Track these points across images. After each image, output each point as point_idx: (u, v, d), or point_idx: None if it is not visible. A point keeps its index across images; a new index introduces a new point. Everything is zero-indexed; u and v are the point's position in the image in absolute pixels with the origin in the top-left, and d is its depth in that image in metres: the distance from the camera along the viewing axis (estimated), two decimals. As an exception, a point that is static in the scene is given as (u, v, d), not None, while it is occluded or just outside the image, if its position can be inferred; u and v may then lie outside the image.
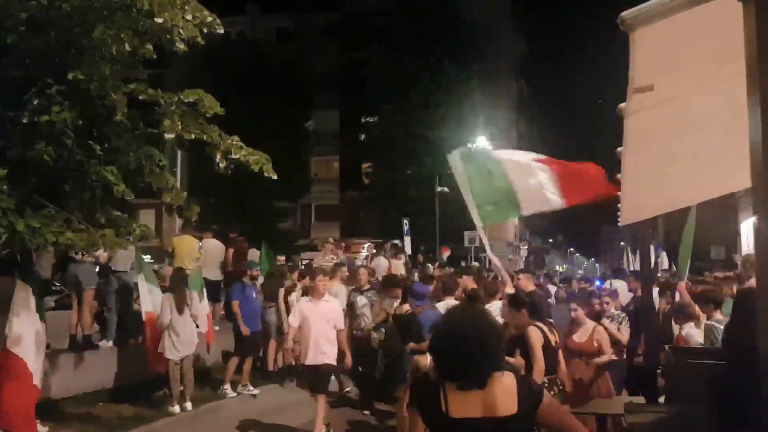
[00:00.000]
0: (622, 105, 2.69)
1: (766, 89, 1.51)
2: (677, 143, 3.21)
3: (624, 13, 1.98)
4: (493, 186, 7.20)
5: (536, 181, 6.81)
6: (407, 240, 22.50)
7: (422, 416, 2.57)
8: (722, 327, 6.02)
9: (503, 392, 2.41)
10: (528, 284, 8.50)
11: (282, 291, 10.78)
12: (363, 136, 38.87)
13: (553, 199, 6.79)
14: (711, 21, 1.86)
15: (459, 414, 2.42)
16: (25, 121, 5.58)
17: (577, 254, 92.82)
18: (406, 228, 22.98)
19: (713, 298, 6.61)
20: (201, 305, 8.94)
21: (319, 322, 7.40)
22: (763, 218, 1.43)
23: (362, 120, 38.61)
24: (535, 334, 5.25)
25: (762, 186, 1.40)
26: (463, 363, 2.40)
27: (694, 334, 6.48)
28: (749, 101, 1.55)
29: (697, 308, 6.83)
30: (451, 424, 2.42)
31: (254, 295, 9.98)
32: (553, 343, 5.39)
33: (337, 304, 7.95)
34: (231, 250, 12.20)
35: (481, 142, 32.29)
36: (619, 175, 4.56)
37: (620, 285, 11.72)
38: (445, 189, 29.98)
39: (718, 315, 6.37)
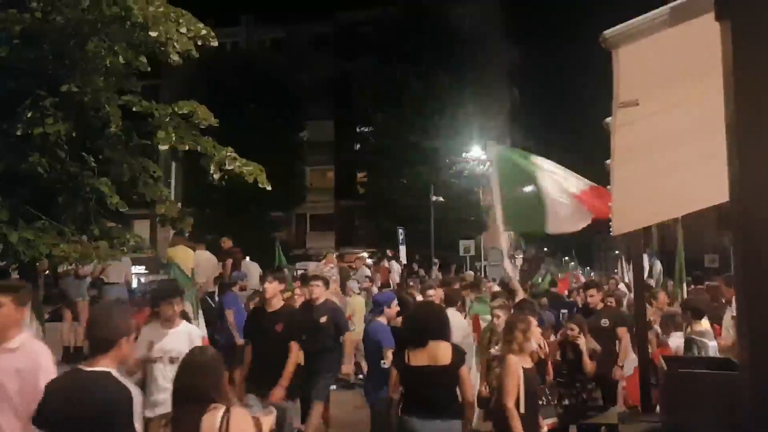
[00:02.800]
0: (608, 119, 2.73)
1: (741, 104, 1.55)
2: (663, 156, 3.25)
3: (606, 32, 2.02)
4: (524, 194, 6.75)
5: (566, 198, 6.53)
6: (402, 249, 22.51)
7: (396, 367, 4.59)
8: (704, 339, 5.93)
9: (442, 352, 4.34)
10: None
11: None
12: (357, 145, 38.87)
13: (578, 218, 6.57)
14: (690, 38, 1.91)
15: (415, 363, 4.38)
16: (18, 133, 5.60)
17: (572, 263, 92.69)
18: (401, 237, 22.98)
19: (692, 308, 6.52)
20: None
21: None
22: (740, 232, 1.47)
23: (357, 129, 38.62)
24: None
25: (737, 200, 1.43)
26: (415, 334, 4.49)
27: (680, 344, 6.42)
28: (726, 115, 1.60)
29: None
30: (410, 369, 4.40)
31: (242, 306, 9.95)
32: (542, 356, 5.41)
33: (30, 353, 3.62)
34: (230, 261, 12.18)
35: (475, 151, 32.44)
36: (609, 186, 4.61)
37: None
38: (440, 198, 30.07)
39: (698, 326, 6.26)
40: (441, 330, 4.47)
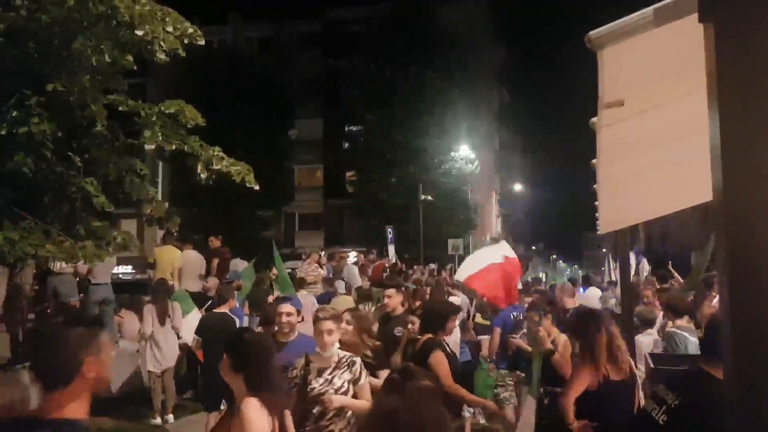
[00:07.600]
0: (594, 119, 2.75)
1: (723, 106, 1.56)
2: (649, 155, 3.27)
3: (591, 33, 2.03)
4: None
5: None
6: (391, 248, 22.52)
7: None
8: (684, 333, 5.97)
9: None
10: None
11: (271, 298, 10.99)
12: (346, 144, 38.88)
13: None
14: (674, 39, 1.92)
15: None
16: (3, 132, 5.54)
17: (560, 261, 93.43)
18: (390, 236, 22.99)
19: (672, 307, 6.53)
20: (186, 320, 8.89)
21: None
22: (722, 234, 1.48)
23: (345, 128, 38.62)
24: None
25: (719, 201, 1.45)
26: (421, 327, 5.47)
27: (651, 341, 6.40)
28: (709, 116, 1.61)
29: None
30: None
31: (236, 305, 9.88)
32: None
33: None
34: (216, 261, 12.14)
35: (464, 150, 32.49)
36: (595, 185, 4.63)
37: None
38: (429, 197, 30.13)
39: (680, 321, 6.29)
40: (429, 326, 5.27)
